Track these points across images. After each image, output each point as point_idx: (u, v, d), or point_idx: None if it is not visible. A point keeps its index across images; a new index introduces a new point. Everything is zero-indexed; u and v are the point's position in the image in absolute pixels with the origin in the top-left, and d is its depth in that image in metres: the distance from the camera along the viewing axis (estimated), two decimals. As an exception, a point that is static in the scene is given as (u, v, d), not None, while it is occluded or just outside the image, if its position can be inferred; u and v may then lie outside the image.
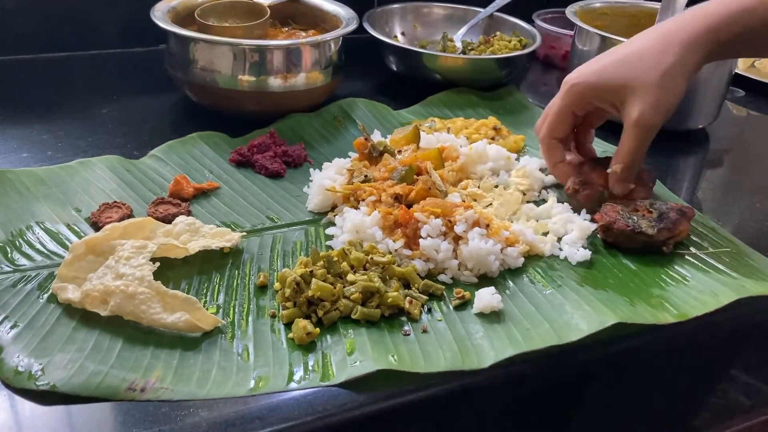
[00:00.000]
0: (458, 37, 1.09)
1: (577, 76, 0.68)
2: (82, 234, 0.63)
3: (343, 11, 0.93)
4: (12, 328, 0.51)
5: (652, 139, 0.66)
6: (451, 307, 0.58)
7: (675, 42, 0.63)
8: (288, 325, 0.54)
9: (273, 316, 0.55)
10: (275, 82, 0.83)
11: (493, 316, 0.56)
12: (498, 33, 1.09)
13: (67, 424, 0.46)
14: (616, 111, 0.68)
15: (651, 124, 0.64)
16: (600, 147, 0.85)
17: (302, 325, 0.53)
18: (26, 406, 0.46)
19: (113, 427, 0.46)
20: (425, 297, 0.58)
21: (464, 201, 0.68)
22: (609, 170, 0.69)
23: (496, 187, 0.73)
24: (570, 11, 0.99)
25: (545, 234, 0.67)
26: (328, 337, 0.54)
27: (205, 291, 0.58)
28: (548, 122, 0.71)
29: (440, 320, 0.56)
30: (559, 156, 0.72)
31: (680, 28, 0.64)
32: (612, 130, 0.90)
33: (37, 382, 0.47)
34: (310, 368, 0.50)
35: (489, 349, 0.52)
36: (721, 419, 0.76)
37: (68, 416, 0.46)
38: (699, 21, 0.64)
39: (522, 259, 0.63)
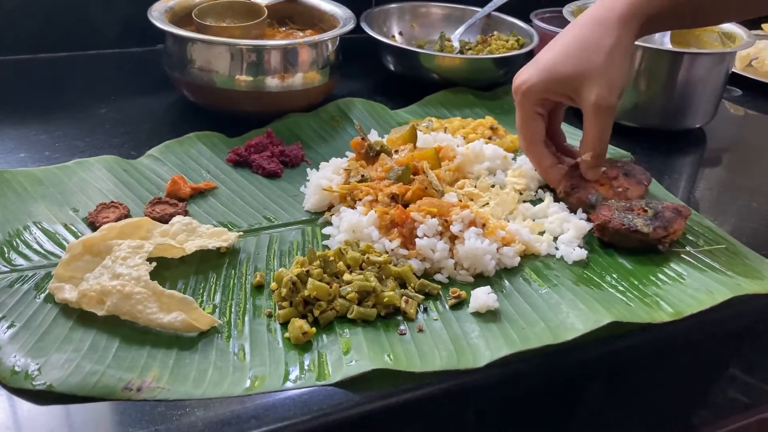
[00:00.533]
0: (456, 36, 1.09)
1: (524, 79, 0.69)
2: (79, 234, 0.63)
3: (341, 11, 0.93)
4: (9, 328, 0.51)
5: (612, 123, 0.68)
6: (447, 307, 0.58)
7: (610, 24, 0.66)
8: (284, 325, 0.54)
9: (269, 315, 0.56)
10: (272, 82, 0.83)
11: (489, 316, 0.56)
12: (495, 33, 1.09)
13: (65, 423, 0.46)
14: (571, 101, 0.69)
15: (609, 105, 0.66)
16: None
17: (298, 324, 0.53)
18: (24, 405, 0.46)
19: (110, 426, 0.46)
20: (421, 296, 0.58)
21: (461, 201, 0.68)
22: (579, 159, 0.70)
23: (493, 186, 0.73)
24: (567, 11, 0.99)
25: (541, 233, 0.67)
26: (324, 336, 0.54)
27: (201, 291, 0.58)
28: (521, 133, 0.72)
29: (436, 319, 0.56)
30: (546, 161, 0.72)
31: (610, 9, 0.66)
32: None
33: (33, 382, 0.47)
34: (306, 368, 0.50)
35: (485, 349, 0.53)
36: (718, 417, 0.76)
37: (65, 416, 0.46)
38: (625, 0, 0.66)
39: (518, 259, 0.63)
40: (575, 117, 0.77)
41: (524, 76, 0.70)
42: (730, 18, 0.80)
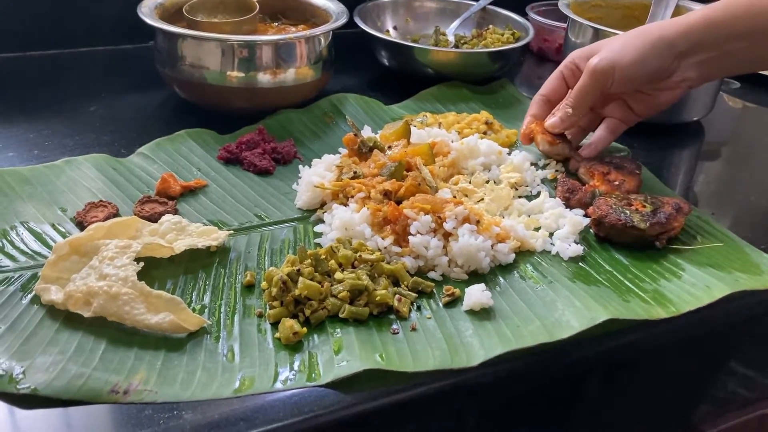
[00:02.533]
0: (451, 30, 1.08)
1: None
2: (67, 234, 0.62)
3: (333, 5, 0.92)
4: (-6, 330, 0.50)
5: (597, 90, 0.71)
6: (440, 305, 0.57)
7: (647, 29, 0.70)
8: (275, 325, 0.54)
9: (260, 315, 0.55)
10: (264, 78, 0.82)
11: (483, 314, 0.56)
12: (491, 26, 1.08)
13: (47, 427, 0.45)
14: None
15: (598, 69, 0.69)
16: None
17: (289, 324, 0.52)
18: (4, 408, 0.45)
19: (95, 430, 0.45)
20: (414, 294, 0.57)
21: (455, 197, 0.67)
22: (561, 111, 0.74)
23: (488, 182, 0.72)
24: (563, 3, 0.98)
25: (537, 229, 0.67)
26: (316, 336, 0.53)
27: (190, 291, 0.57)
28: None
29: (429, 318, 0.55)
30: (533, 109, 0.77)
31: (660, 27, 0.70)
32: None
33: (18, 386, 0.46)
34: (297, 368, 0.50)
35: (478, 347, 0.52)
36: (718, 414, 0.76)
37: (47, 420, 0.45)
38: (676, 20, 0.69)
39: (513, 255, 0.62)
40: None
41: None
42: None
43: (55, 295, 0.53)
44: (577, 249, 0.63)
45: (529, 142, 0.78)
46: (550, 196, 0.71)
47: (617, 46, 0.69)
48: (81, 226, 0.62)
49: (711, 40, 0.67)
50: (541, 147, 0.76)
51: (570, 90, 0.74)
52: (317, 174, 0.70)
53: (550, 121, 0.75)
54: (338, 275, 0.57)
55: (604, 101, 0.76)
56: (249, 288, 0.58)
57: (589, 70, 0.70)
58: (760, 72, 1.10)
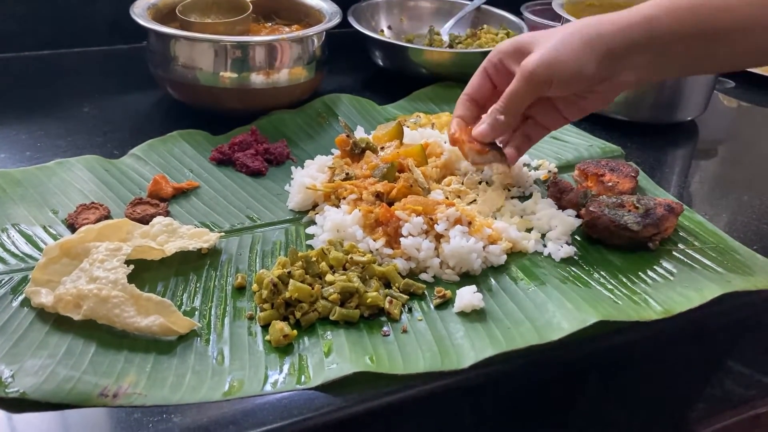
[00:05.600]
0: (445, 30, 1.08)
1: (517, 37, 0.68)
2: (58, 236, 0.62)
3: (327, 5, 0.92)
4: (-17, 334, 0.50)
5: (532, 96, 0.64)
6: (432, 307, 0.57)
7: (588, 20, 0.63)
8: (265, 328, 0.53)
9: (250, 318, 0.55)
10: (257, 79, 0.82)
11: (474, 315, 0.56)
12: (485, 26, 1.08)
13: (36, 430, 0.45)
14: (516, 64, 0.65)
15: (532, 72, 0.62)
16: (585, 141, 0.85)
17: (279, 327, 0.52)
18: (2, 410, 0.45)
19: (84, 434, 0.45)
20: (406, 296, 0.57)
21: (447, 198, 0.67)
22: (490, 117, 0.66)
23: (480, 183, 0.72)
24: (557, 3, 0.98)
25: (529, 230, 0.66)
26: (306, 338, 0.53)
27: (181, 293, 0.57)
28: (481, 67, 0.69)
29: (420, 320, 0.55)
30: (457, 111, 0.69)
31: (599, 22, 0.62)
32: (600, 123, 0.89)
33: (6, 390, 0.46)
34: (287, 371, 0.49)
35: (469, 349, 0.52)
36: (711, 414, 0.76)
37: (36, 423, 0.45)
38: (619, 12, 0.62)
39: (504, 257, 0.62)
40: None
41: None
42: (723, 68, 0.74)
43: (45, 298, 0.53)
44: (569, 250, 0.63)
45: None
46: (543, 197, 0.71)
47: (552, 46, 0.62)
48: (72, 228, 0.62)
49: (650, 41, 0.61)
50: (470, 158, 0.68)
51: (496, 88, 0.68)
52: (309, 175, 0.70)
53: (479, 129, 0.67)
54: (329, 277, 0.57)
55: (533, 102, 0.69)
56: (240, 290, 0.57)
57: (524, 75, 0.63)
58: (755, 71, 1.10)
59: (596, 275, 0.61)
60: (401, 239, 0.61)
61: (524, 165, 0.76)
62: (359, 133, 0.78)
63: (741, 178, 0.83)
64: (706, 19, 0.60)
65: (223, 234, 0.63)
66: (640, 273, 0.61)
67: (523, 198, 0.72)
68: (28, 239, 0.61)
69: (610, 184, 0.71)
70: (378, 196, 0.65)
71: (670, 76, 0.86)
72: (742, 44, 0.60)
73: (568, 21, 0.94)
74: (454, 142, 0.69)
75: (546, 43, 0.62)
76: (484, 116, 0.67)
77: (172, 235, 0.61)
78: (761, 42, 0.59)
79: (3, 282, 0.56)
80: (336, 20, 0.87)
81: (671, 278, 0.61)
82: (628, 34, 0.60)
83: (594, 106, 0.67)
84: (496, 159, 0.68)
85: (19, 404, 0.45)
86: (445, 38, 1.06)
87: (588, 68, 0.61)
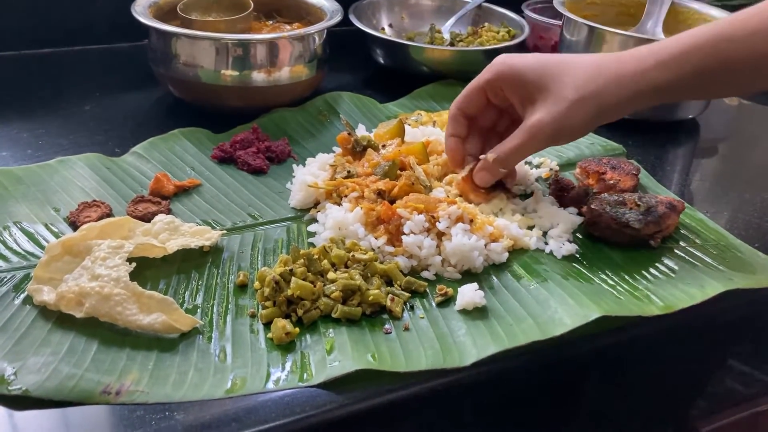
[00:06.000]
0: (446, 28, 1.07)
1: (507, 57, 0.65)
2: (60, 234, 0.62)
3: (328, 3, 0.92)
4: (-15, 331, 0.50)
5: (533, 151, 0.65)
6: (433, 304, 0.57)
7: (606, 73, 0.61)
8: (267, 325, 0.53)
9: (252, 315, 0.55)
10: (259, 77, 0.82)
11: (476, 313, 0.56)
12: (486, 24, 1.08)
13: (38, 427, 0.45)
14: (519, 108, 0.65)
15: (543, 134, 0.62)
16: (587, 139, 0.85)
17: (281, 324, 0.52)
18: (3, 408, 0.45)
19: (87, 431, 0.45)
20: (407, 294, 0.57)
21: (449, 196, 0.67)
22: (481, 156, 0.66)
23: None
24: (558, 1, 0.98)
25: (531, 228, 0.66)
26: (308, 336, 0.53)
27: (183, 291, 0.57)
28: (462, 92, 0.68)
29: (422, 318, 0.55)
30: (453, 128, 0.69)
31: (620, 60, 0.61)
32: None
33: (9, 387, 0.46)
34: (289, 369, 0.49)
35: (471, 347, 0.52)
36: (712, 411, 0.76)
37: (39, 421, 0.45)
38: (638, 60, 0.60)
39: (506, 254, 0.62)
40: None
41: (513, 55, 0.66)
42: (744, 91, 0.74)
43: (47, 295, 0.53)
44: (571, 248, 0.63)
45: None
46: (544, 195, 0.71)
47: (565, 112, 0.60)
48: (74, 226, 0.62)
49: (660, 99, 0.62)
50: (478, 203, 0.67)
51: (489, 102, 0.67)
52: (311, 173, 0.70)
53: (480, 177, 0.66)
54: (331, 275, 0.57)
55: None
56: (242, 288, 0.58)
57: (533, 134, 0.62)
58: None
59: (598, 272, 0.61)
60: (403, 237, 0.61)
61: (525, 163, 0.76)
62: (360, 131, 0.78)
63: (742, 175, 0.83)
64: (714, 83, 0.61)
65: (224, 232, 0.63)
66: (641, 270, 0.62)
67: (525, 196, 0.72)
68: (30, 237, 0.61)
69: (611, 182, 0.71)
70: (379, 194, 0.65)
71: None
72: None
73: (569, 18, 0.94)
74: (455, 161, 0.69)
75: (557, 97, 0.61)
76: (481, 162, 0.66)
77: (174, 233, 0.61)
78: None
79: (5, 280, 0.56)
80: (337, 18, 0.87)
81: (673, 276, 0.61)
82: (642, 101, 0.61)
83: None
84: (501, 190, 0.69)
85: (22, 402, 0.46)
86: (447, 36, 1.06)
87: (594, 126, 0.63)
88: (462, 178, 0.68)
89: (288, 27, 0.92)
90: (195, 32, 0.82)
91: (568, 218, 0.66)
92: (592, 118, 0.61)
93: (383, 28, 1.09)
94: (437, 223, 0.61)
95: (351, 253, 0.59)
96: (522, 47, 1.12)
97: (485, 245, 0.61)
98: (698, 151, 0.91)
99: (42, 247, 0.59)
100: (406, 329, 0.54)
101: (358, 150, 0.72)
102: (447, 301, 0.57)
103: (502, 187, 0.69)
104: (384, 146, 0.73)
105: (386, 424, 0.51)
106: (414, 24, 1.11)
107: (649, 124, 0.91)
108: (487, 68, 0.66)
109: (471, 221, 0.62)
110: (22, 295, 0.54)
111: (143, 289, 0.53)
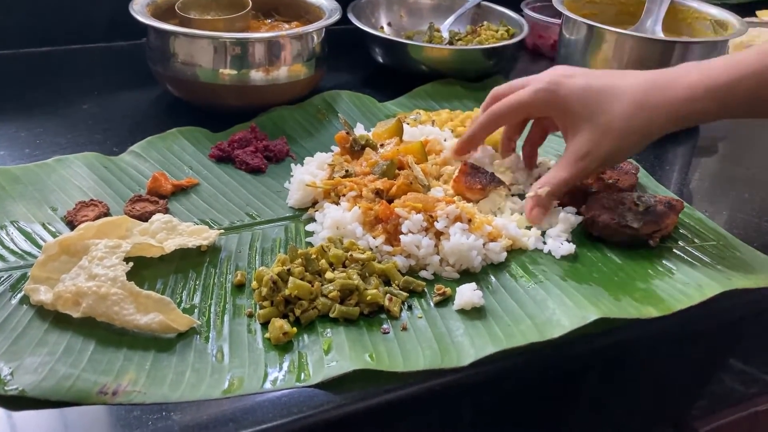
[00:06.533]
0: (445, 27, 1.07)
1: (552, 83, 0.65)
2: (58, 233, 0.61)
3: (327, 2, 0.91)
4: (-18, 331, 0.50)
5: (581, 180, 0.68)
6: (431, 304, 0.57)
7: (654, 102, 0.61)
8: (265, 325, 0.53)
9: (250, 315, 0.55)
10: (257, 76, 0.82)
11: (474, 313, 0.55)
12: (485, 22, 1.08)
13: (35, 427, 0.45)
14: (563, 130, 0.67)
15: (593, 165, 0.64)
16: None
17: (278, 324, 0.52)
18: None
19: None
20: (405, 294, 0.57)
21: (447, 195, 0.67)
22: (530, 193, 0.66)
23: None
24: (557, 0, 0.97)
25: (529, 228, 0.66)
26: (306, 336, 0.53)
27: (180, 290, 0.57)
28: (504, 104, 0.68)
29: (420, 317, 0.55)
30: (506, 154, 0.73)
31: (668, 87, 0.61)
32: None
33: (5, 387, 0.46)
34: (286, 369, 0.49)
35: (469, 347, 0.51)
36: (711, 410, 0.76)
37: (36, 421, 0.45)
38: (688, 89, 0.61)
39: (504, 254, 0.62)
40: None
41: (561, 77, 0.65)
42: None
43: (44, 295, 0.53)
44: (570, 248, 0.63)
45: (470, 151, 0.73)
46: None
47: (614, 139, 0.62)
48: (71, 225, 0.62)
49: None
50: (477, 205, 0.68)
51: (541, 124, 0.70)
52: (309, 172, 0.70)
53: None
54: (329, 275, 0.57)
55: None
56: (239, 288, 0.57)
57: (580, 166, 0.64)
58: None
59: (596, 272, 0.61)
60: (401, 236, 0.61)
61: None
62: (359, 130, 0.78)
63: (741, 175, 0.83)
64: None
65: (222, 231, 0.63)
66: (640, 270, 0.61)
67: (524, 195, 0.72)
68: (27, 236, 0.61)
69: (610, 181, 0.71)
70: (378, 193, 0.65)
71: None
72: None
73: (568, 17, 0.94)
74: (454, 191, 0.69)
75: (606, 128, 0.62)
76: (533, 198, 0.65)
77: (172, 233, 0.61)
78: None
79: (2, 279, 0.56)
80: (336, 17, 0.87)
81: (671, 276, 0.61)
82: (686, 125, 0.64)
83: None
84: (496, 183, 0.69)
85: (18, 402, 0.45)
86: (445, 35, 1.05)
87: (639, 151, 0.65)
88: (454, 179, 0.68)
89: (286, 26, 0.92)
90: (193, 31, 0.81)
91: (567, 218, 0.66)
92: (639, 145, 0.64)
93: (382, 27, 1.09)
94: (435, 223, 0.61)
95: (349, 253, 0.59)
96: (521, 46, 1.12)
97: (483, 245, 0.61)
98: (697, 151, 0.90)
99: (39, 247, 0.59)
100: (404, 329, 0.54)
101: (356, 149, 0.72)
102: (445, 301, 0.57)
103: (497, 180, 0.69)
104: (382, 145, 0.73)
105: (384, 424, 0.51)
106: (413, 23, 1.10)
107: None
108: (535, 90, 0.66)
109: (469, 221, 0.62)
110: (19, 295, 0.54)
111: (140, 288, 0.53)
